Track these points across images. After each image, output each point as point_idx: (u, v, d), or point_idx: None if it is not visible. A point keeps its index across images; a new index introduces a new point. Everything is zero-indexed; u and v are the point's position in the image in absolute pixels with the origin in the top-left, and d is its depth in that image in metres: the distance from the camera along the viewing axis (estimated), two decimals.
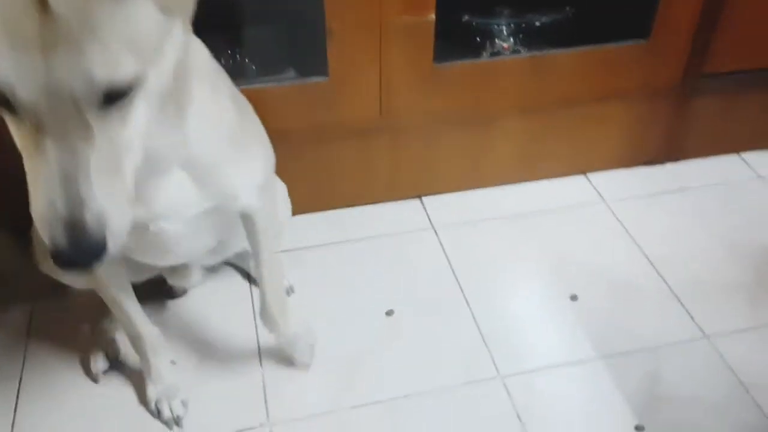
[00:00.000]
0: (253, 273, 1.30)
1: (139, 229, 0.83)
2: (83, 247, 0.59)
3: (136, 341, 1.09)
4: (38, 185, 0.59)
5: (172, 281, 1.17)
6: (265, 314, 1.11)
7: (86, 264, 0.60)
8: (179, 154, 0.79)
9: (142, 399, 1.13)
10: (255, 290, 1.32)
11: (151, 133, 0.65)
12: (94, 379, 1.17)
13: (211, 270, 1.30)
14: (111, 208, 0.60)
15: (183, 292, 1.29)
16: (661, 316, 1.27)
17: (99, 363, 1.17)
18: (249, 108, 0.94)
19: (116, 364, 1.18)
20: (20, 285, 1.28)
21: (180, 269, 1.12)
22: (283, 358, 1.18)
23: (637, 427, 1.09)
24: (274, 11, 1.43)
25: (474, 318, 1.26)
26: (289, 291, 1.31)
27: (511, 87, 1.39)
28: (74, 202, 0.58)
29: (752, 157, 1.64)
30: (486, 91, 1.39)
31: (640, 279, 1.34)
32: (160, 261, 0.99)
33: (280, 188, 1.21)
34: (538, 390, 1.15)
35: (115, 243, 0.61)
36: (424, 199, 1.52)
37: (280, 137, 0.97)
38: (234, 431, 1.09)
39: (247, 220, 0.98)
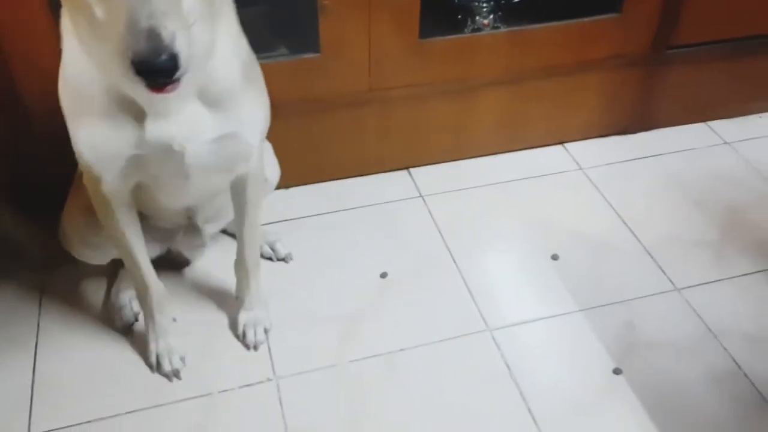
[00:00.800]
0: (233, 227, 1.28)
1: (165, 148, 0.90)
2: (164, 55, 0.67)
3: (143, 295, 1.14)
4: (116, 10, 0.68)
5: (182, 247, 1.23)
6: (240, 265, 1.18)
7: (166, 72, 0.69)
8: (204, 67, 0.85)
9: (143, 352, 1.19)
10: None
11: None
12: (123, 331, 1.23)
13: (213, 239, 1.36)
14: (179, 30, 0.69)
15: (187, 263, 1.35)
16: (635, 271, 1.37)
17: (126, 315, 1.24)
18: (256, 61, 1.00)
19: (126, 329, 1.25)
20: (31, 258, 1.33)
21: (190, 231, 1.18)
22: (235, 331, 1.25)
23: (614, 371, 1.19)
24: None
25: (462, 277, 1.35)
26: (288, 258, 1.38)
27: (491, 61, 1.47)
28: (154, 13, 0.67)
29: (718, 125, 1.74)
30: (468, 65, 1.46)
31: (616, 238, 1.43)
32: (178, 198, 1.06)
33: (267, 146, 1.25)
34: (524, 341, 1.24)
35: (184, 60, 0.69)
36: (412, 170, 1.59)
37: (273, 111, 1.04)
38: (242, 385, 1.16)
39: (239, 179, 1.06)
